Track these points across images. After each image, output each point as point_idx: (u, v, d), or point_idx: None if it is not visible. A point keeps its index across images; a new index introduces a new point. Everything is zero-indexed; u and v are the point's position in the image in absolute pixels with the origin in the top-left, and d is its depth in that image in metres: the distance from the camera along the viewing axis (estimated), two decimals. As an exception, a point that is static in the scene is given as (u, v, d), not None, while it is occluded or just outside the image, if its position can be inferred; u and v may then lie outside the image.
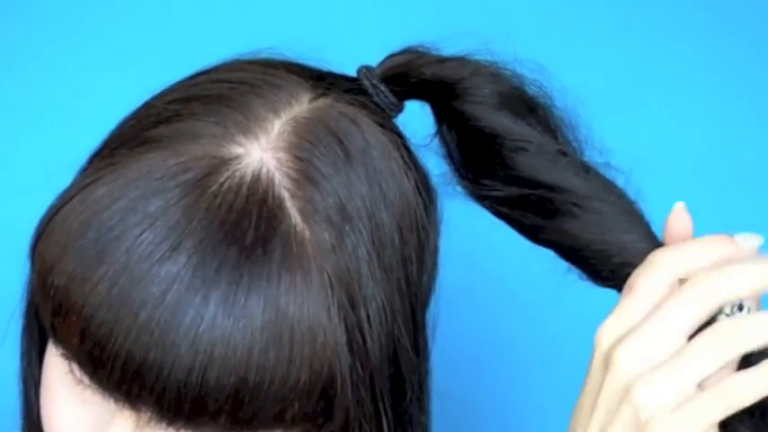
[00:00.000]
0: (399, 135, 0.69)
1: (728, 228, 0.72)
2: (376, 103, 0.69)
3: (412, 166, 0.68)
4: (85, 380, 0.63)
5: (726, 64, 1.14)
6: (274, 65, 0.69)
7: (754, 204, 1.06)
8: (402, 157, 0.68)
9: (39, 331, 0.71)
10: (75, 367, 0.63)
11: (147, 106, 0.68)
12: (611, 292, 0.67)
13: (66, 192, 0.65)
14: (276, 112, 0.65)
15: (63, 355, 0.64)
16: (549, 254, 0.68)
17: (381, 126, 0.67)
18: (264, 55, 0.70)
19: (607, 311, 0.64)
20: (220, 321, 0.60)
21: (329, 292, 0.62)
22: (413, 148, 0.70)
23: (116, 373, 0.60)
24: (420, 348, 0.68)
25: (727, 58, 1.14)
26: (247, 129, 0.64)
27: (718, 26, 1.14)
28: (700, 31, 1.14)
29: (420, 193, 0.68)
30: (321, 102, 0.67)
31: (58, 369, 0.66)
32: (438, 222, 0.71)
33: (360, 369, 0.63)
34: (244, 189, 0.62)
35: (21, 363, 0.74)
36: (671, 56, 1.13)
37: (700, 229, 0.67)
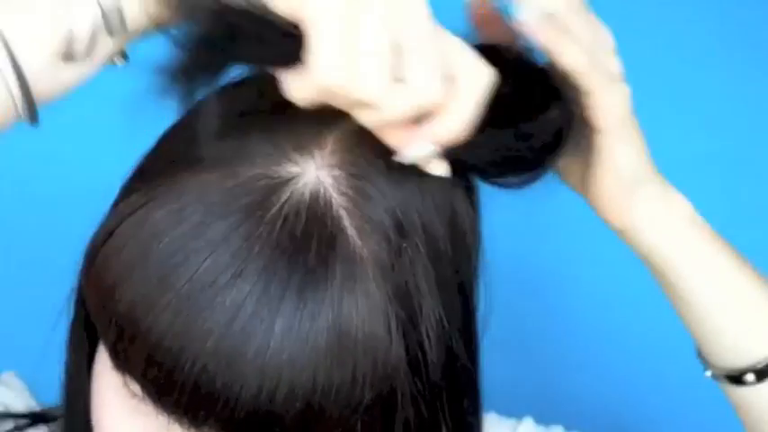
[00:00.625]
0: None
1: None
2: None
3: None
4: (149, 403, 0.63)
5: (726, 64, 1.14)
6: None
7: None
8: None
9: (88, 342, 0.71)
10: (138, 389, 0.63)
11: (194, 119, 0.66)
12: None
13: (117, 211, 0.64)
14: (328, 125, 0.64)
15: (121, 384, 0.64)
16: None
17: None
18: None
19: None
20: (286, 346, 0.60)
21: (389, 311, 0.62)
22: None
23: (183, 399, 0.61)
24: (474, 356, 0.68)
25: (727, 57, 1.14)
26: (300, 145, 0.64)
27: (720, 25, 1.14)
28: (701, 30, 1.14)
29: (467, 196, 0.68)
30: None
31: (111, 381, 0.66)
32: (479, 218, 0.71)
33: (419, 384, 0.64)
34: (303, 212, 0.62)
35: (65, 373, 0.74)
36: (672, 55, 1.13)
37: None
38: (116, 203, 0.66)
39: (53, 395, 0.78)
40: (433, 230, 0.65)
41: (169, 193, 0.62)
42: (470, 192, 0.68)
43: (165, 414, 0.62)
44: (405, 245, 0.64)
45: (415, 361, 0.64)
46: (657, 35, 1.16)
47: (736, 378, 0.75)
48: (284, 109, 0.64)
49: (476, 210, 0.69)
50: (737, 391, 0.76)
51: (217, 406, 0.60)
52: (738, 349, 0.75)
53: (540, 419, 0.86)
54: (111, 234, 0.63)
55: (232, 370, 0.60)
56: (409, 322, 0.63)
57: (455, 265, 0.66)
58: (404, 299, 0.63)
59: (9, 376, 0.86)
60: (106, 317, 0.62)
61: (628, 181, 0.72)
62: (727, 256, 0.75)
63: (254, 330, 0.60)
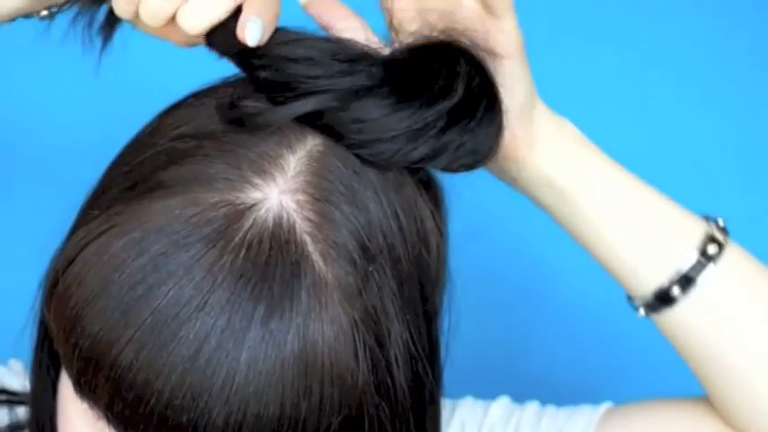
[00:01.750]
0: None
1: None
2: None
3: (425, 186, 0.67)
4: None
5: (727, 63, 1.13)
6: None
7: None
8: (414, 178, 0.66)
9: (53, 365, 0.70)
10: (104, 421, 0.63)
11: (152, 140, 0.65)
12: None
13: (77, 238, 0.63)
14: (290, 147, 0.63)
15: (91, 410, 0.63)
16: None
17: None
18: None
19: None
20: (252, 379, 0.59)
21: (356, 336, 0.62)
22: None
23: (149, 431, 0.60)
24: (438, 376, 0.68)
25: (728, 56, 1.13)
26: (262, 168, 0.62)
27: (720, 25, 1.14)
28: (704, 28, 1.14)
29: (433, 214, 0.67)
30: None
31: (76, 405, 0.65)
32: (447, 232, 0.70)
33: (386, 408, 0.64)
34: (266, 239, 0.61)
35: (31, 391, 0.73)
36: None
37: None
38: (74, 228, 0.65)
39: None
40: (399, 253, 0.64)
41: (129, 222, 0.61)
42: (436, 212, 0.67)
43: None
44: (371, 268, 0.63)
45: (384, 385, 0.63)
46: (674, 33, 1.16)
47: (659, 302, 0.74)
48: (243, 129, 0.63)
49: (442, 229, 0.68)
50: (666, 319, 0.75)
51: None
52: (643, 275, 0.74)
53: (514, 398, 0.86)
54: (70, 263, 0.62)
55: (198, 404, 0.59)
56: (377, 347, 0.63)
57: (421, 287, 0.66)
58: (371, 324, 0.62)
59: (16, 363, 0.85)
60: (69, 348, 0.61)
61: (527, 107, 0.72)
62: (623, 173, 0.75)
63: (220, 363, 0.59)
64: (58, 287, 0.62)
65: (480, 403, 0.86)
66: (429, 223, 0.66)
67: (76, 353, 0.61)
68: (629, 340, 1.14)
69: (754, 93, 1.15)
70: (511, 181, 0.75)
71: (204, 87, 0.68)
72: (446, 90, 0.64)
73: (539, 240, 1.10)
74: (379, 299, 0.63)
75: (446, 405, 0.85)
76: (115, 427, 0.62)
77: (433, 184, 0.68)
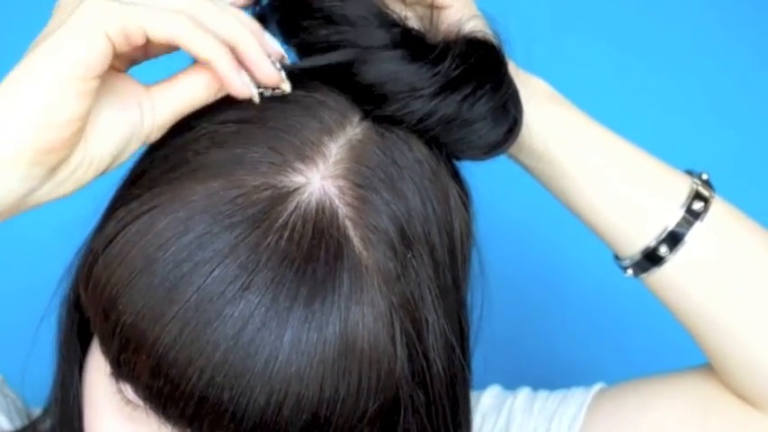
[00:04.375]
0: (438, 145, 0.68)
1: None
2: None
3: (455, 177, 0.69)
4: (152, 414, 0.62)
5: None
6: (307, 77, 0.67)
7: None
8: (447, 168, 0.68)
9: (81, 352, 0.70)
10: (137, 398, 0.62)
11: (194, 124, 0.66)
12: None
13: (116, 218, 0.63)
14: (331, 134, 0.64)
15: (115, 391, 0.63)
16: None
17: (422, 137, 0.67)
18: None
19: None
20: (294, 359, 0.60)
21: (395, 322, 0.62)
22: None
23: (188, 410, 0.60)
24: (468, 362, 0.69)
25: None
26: (304, 154, 0.63)
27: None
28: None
29: (465, 203, 0.68)
30: (371, 121, 0.66)
31: (105, 388, 0.65)
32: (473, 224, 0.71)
33: (422, 394, 0.64)
34: (309, 222, 0.61)
35: (56, 381, 0.73)
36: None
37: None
38: (113, 208, 0.65)
39: (40, 394, 0.77)
40: (434, 240, 0.65)
41: (173, 201, 0.62)
42: (466, 201, 0.69)
43: (170, 424, 0.62)
44: (409, 255, 0.64)
45: (419, 371, 0.64)
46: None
47: (647, 261, 0.73)
48: (285, 117, 0.64)
49: (470, 220, 0.69)
50: (655, 278, 0.74)
51: (224, 418, 0.60)
52: (629, 235, 0.73)
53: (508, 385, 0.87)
54: (111, 241, 0.62)
55: (239, 382, 0.59)
56: (414, 333, 0.63)
57: (454, 275, 0.67)
58: (409, 309, 0.63)
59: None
60: (109, 327, 0.61)
61: None
62: (602, 129, 0.74)
63: (263, 343, 0.59)
64: (98, 266, 0.62)
65: (472, 393, 0.86)
66: (461, 214, 0.67)
67: (117, 330, 0.61)
68: (632, 327, 1.14)
69: (757, 92, 1.16)
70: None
71: None
72: (448, 54, 0.66)
73: (541, 226, 1.10)
74: (416, 285, 0.64)
75: None
76: (153, 407, 0.62)
77: (461, 177, 0.69)
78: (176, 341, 0.59)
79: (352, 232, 0.62)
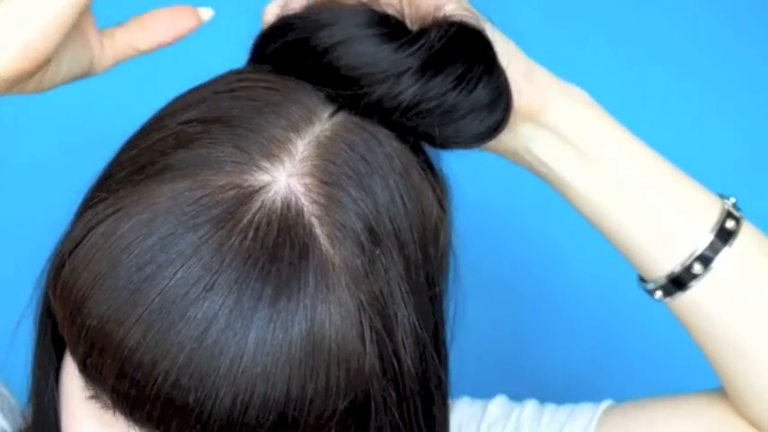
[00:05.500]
0: (413, 138, 0.67)
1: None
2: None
3: (430, 172, 0.68)
4: (120, 418, 0.62)
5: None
6: (286, 73, 0.67)
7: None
8: (419, 162, 0.67)
9: (56, 356, 0.70)
10: (109, 402, 0.62)
11: (160, 125, 0.65)
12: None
13: (83, 221, 0.63)
14: (297, 131, 0.64)
15: (92, 396, 0.63)
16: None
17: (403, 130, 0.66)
18: None
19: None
20: (260, 359, 0.59)
21: (363, 319, 0.62)
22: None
23: (155, 412, 0.60)
24: (444, 361, 0.68)
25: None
26: (270, 152, 0.63)
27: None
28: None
29: (439, 199, 0.68)
30: (340, 116, 0.65)
31: (79, 393, 0.65)
32: (451, 218, 0.70)
33: (393, 392, 0.64)
34: (274, 221, 0.61)
35: (32, 386, 0.72)
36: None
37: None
38: (80, 212, 0.65)
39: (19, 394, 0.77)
40: (405, 236, 0.64)
41: (138, 203, 0.61)
42: (441, 196, 0.68)
43: (137, 427, 0.62)
44: (378, 251, 0.63)
45: (390, 369, 0.63)
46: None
47: (672, 284, 0.72)
48: (251, 116, 0.64)
49: (446, 214, 0.68)
50: (680, 302, 0.73)
51: (190, 419, 0.60)
52: (657, 257, 0.72)
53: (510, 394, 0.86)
54: (77, 244, 0.62)
55: (205, 384, 0.59)
56: (384, 330, 0.63)
57: (426, 271, 0.66)
58: (378, 307, 0.62)
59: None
60: (75, 330, 0.61)
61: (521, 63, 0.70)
62: (637, 142, 0.73)
63: (227, 344, 0.59)
64: (65, 269, 0.62)
65: (477, 403, 0.85)
66: (434, 209, 0.67)
67: (83, 334, 0.61)
68: (630, 336, 1.14)
69: (759, 91, 1.15)
70: (524, 152, 0.73)
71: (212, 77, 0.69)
72: (426, 34, 0.65)
73: (538, 235, 1.10)
74: (386, 282, 0.63)
75: None
76: (120, 410, 0.62)
77: (436, 170, 0.69)
78: (140, 344, 0.59)
79: (318, 230, 0.62)
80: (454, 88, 0.65)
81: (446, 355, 0.69)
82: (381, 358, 0.62)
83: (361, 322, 0.62)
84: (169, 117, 0.65)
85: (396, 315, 0.63)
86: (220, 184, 0.61)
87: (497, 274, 1.13)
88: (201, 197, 0.61)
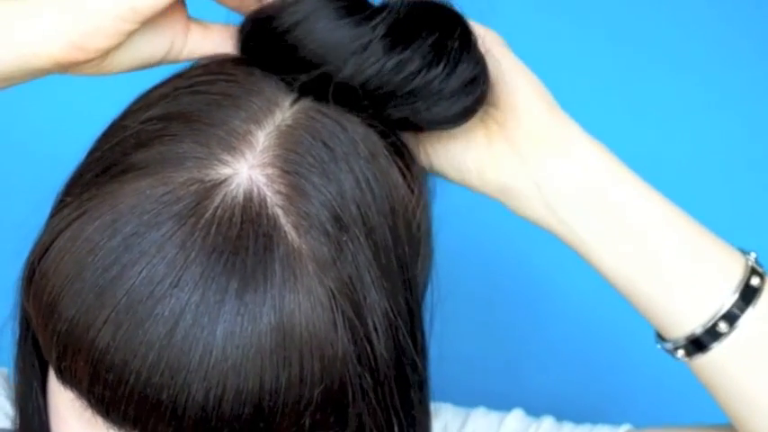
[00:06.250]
0: (379, 121, 0.66)
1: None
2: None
3: (397, 154, 0.67)
4: (99, 419, 0.63)
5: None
6: (248, 63, 0.67)
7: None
8: (386, 146, 0.66)
9: (38, 359, 0.70)
10: (87, 405, 0.63)
11: (121, 126, 0.66)
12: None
13: (51, 226, 0.63)
14: (258, 122, 0.64)
15: (74, 398, 0.63)
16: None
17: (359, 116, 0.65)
18: None
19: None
20: (230, 353, 0.59)
21: (333, 306, 0.62)
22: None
23: (130, 412, 0.60)
24: (421, 347, 0.68)
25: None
26: (231, 145, 0.63)
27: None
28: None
29: (408, 182, 0.67)
30: (302, 104, 0.65)
31: (63, 396, 0.65)
32: (430, 204, 0.70)
33: (369, 378, 0.63)
34: (237, 214, 0.61)
35: (17, 391, 0.73)
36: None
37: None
38: (50, 217, 0.65)
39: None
40: (373, 222, 0.64)
41: (101, 205, 0.61)
42: (411, 180, 0.67)
43: (116, 428, 0.62)
44: (345, 238, 0.63)
45: (364, 355, 0.63)
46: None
47: (692, 345, 0.69)
48: (210, 110, 0.64)
49: (420, 197, 0.68)
50: (700, 361, 0.70)
51: (165, 417, 0.60)
52: (678, 317, 0.69)
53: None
54: (47, 250, 0.62)
55: (176, 380, 0.59)
56: (355, 316, 0.62)
57: (398, 256, 0.65)
58: (347, 293, 0.62)
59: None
60: (48, 335, 0.62)
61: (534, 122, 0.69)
62: (660, 197, 0.69)
63: (196, 339, 0.59)
64: (36, 276, 0.63)
65: (494, 414, 0.85)
66: (404, 192, 0.66)
67: (55, 339, 0.61)
68: (636, 358, 1.12)
69: (761, 90, 1.13)
70: (539, 197, 0.69)
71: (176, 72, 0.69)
72: (389, 5, 0.64)
73: (542, 255, 1.08)
74: (354, 268, 0.63)
75: (459, 413, 0.84)
76: (98, 411, 0.62)
77: (405, 154, 0.68)
78: (110, 345, 0.59)
79: (283, 220, 0.62)
80: (431, 62, 0.64)
81: (424, 342, 0.68)
82: (354, 343, 0.62)
83: (332, 309, 0.61)
84: (131, 116, 0.66)
85: (366, 300, 0.63)
86: (182, 180, 0.61)
87: (494, 277, 1.12)
88: (163, 194, 0.61)
